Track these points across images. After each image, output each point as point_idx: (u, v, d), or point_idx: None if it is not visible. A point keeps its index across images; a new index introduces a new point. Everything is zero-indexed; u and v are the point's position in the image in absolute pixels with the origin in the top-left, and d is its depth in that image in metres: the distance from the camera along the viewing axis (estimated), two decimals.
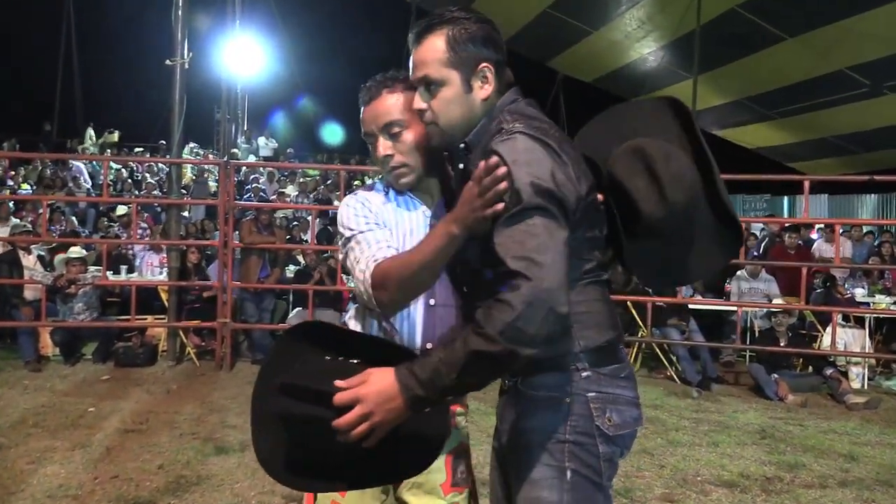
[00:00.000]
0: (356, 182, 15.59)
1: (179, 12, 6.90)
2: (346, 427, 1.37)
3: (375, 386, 1.37)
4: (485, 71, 1.51)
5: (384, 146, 1.66)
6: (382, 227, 1.69)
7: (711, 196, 1.57)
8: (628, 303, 7.09)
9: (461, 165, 1.58)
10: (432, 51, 1.51)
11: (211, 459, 4.35)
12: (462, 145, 1.56)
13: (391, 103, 1.66)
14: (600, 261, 1.58)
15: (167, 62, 6.96)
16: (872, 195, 17.50)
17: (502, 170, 1.37)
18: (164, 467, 4.19)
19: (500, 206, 1.38)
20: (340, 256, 1.76)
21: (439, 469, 1.72)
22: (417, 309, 1.68)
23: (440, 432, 1.52)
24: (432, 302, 1.68)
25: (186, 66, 6.95)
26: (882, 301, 7.91)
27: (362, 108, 1.70)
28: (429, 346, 1.67)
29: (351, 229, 1.69)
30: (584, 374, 1.51)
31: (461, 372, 1.32)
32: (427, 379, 1.34)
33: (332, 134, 19.61)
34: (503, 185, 1.37)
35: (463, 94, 1.52)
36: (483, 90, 1.52)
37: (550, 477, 1.49)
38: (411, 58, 1.56)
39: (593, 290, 1.55)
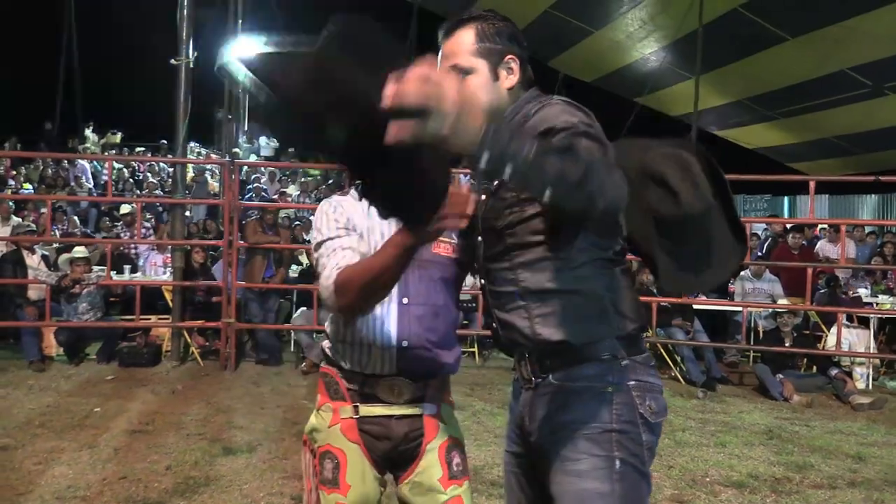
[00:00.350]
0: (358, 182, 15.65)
1: (185, 11, 6.89)
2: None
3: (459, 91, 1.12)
4: (510, 62, 1.62)
5: None
6: (351, 233, 1.76)
7: (726, 206, 1.63)
8: None
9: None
10: (462, 42, 1.62)
11: (219, 460, 4.35)
12: None
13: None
14: (624, 250, 1.62)
15: (172, 61, 6.95)
16: (873, 195, 17.51)
17: (472, 196, 1.45)
18: (171, 468, 4.18)
19: (463, 223, 1.46)
20: (313, 260, 1.81)
21: (433, 464, 1.81)
22: (391, 308, 1.77)
23: (445, 184, 1.40)
24: (405, 301, 1.78)
25: (191, 65, 6.94)
26: (886, 302, 7.92)
27: None
28: (405, 343, 1.76)
29: (321, 234, 1.77)
30: (624, 362, 1.53)
31: (542, 156, 1.16)
32: (509, 135, 1.16)
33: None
34: (469, 210, 1.44)
35: (490, 82, 1.61)
36: (508, 80, 1.62)
37: (600, 468, 1.48)
38: (441, 50, 1.64)
39: (624, 278, 1.59)
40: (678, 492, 4.04)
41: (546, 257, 1.53)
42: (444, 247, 1.82)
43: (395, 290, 1.72)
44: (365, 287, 1.59)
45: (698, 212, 1.54)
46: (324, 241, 1.75)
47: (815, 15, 10.66)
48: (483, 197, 1.62)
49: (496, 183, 1.59)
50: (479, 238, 1.64)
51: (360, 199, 1.61)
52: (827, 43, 11.14)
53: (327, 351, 1.88)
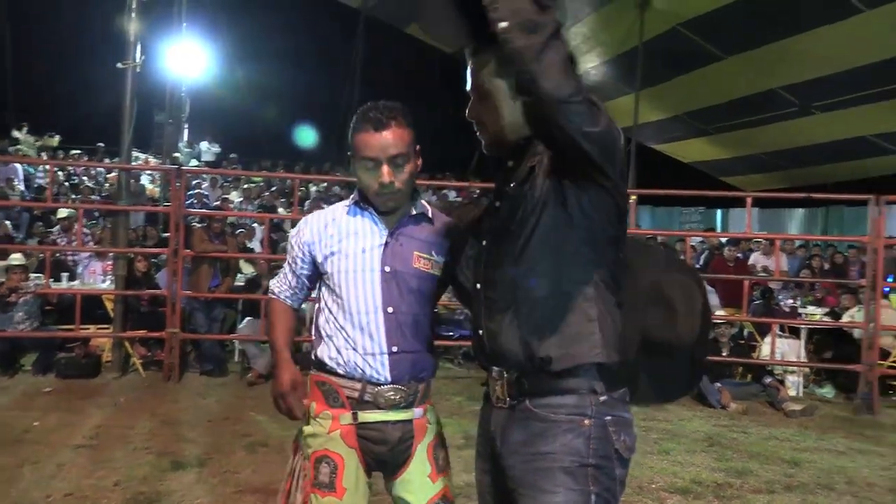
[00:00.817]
0: (316, 189, 15.47)
1: (133, 14, 6.73)
2: None
3: None
4: None
5: (388, 174, 1.84)
6: (295, 268, 2.05)
7: (699, 346, 1.74)
8: None
9: (510, 163, 1.67)
10: (483, 64, 1.63)
11: (168, 475, 4.27)
12: (521, 142, 1.64)
13: (400, 136, 1.85)
14: (622, 287, 1.63)
15: (119, 65, 6.77)
16: (800, 209, 18.31)
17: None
18: (120, 484, 4.09)
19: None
20: None
21: (423, 462, 1.95)
22: (378, 317, 1.91)
23: None
24: (390, 310, 1.91)
25: (138, 69, 6.79)
26: (815, 313, 8.29)
27: (366, 134, 1.85)
28: (394, 349, 1.90)
29: (287, 250, 2.10)
30: (602, 397, 1.55)
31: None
32: None
33: (279, 139, 19.41)
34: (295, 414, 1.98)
35: (509, 100, 1.62)
36: None
37: (574, 501, 1.51)
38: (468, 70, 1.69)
39: (618, 312, 1.60)
40: (625, 499, 4.14)
41: (551, 267, 1.56)
42: (424, 262, 1.95)
43: (379, 301, 1.89)
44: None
45: (685, 344, 1.67)
46: (286, 258, 2.09)
47: (750, 36, 11.14)
48: (497, 204, 1.67)
49: (513, 184, 1.63)
50: (484, 242, 1.68)
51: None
52: (760, 63, 11.65)
53: (325, 360, 1.95)
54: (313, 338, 2.03)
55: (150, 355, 7.32)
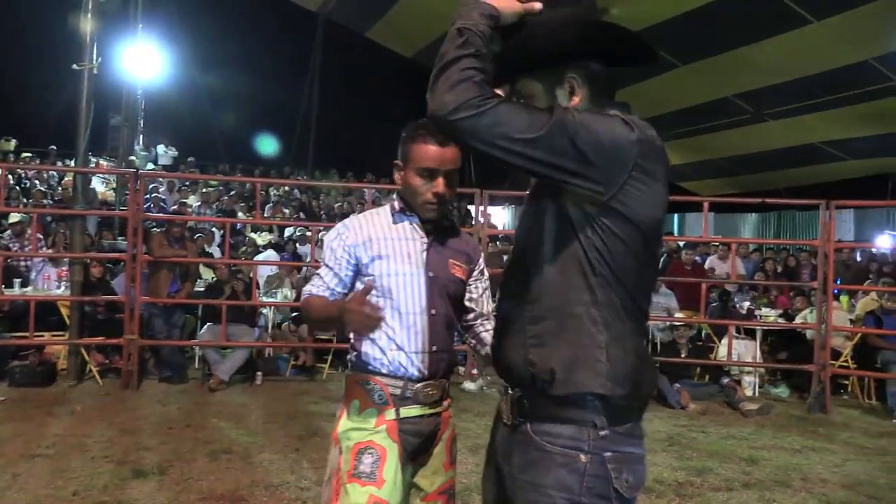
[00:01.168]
0: (276, 192, 15.30)
1: (88, 15, 6.60)
2: None
3: None
4: (571, 81, 1.54)
5: (443, 186, 2.02)
6: (338, 270, 2.08)
7: None
8: None
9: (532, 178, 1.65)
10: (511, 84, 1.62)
11: (129, 483, 4.20)
12: None
13: (457, 155, 2.02)
14: (647, 300, 1.55)
15: (74, 66, 6.63)
16: (753, 214, 18.77)
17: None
18: (79, 493, 4.01)
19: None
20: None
21: (442, 452, 2.10)
22: (424, 318, 2.04)
23: None
24: (433, 311, 2.05)
25: (95, 70, 6.66)
26: (770, 314, 8.51)
27: (430, 146, 2.00)
28: (434, 348, 2.04)
29: (325, 256, 2.12)
30: (602, 432, 1.45)
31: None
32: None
33: (237, 143, 19.19)
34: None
35: (546, 103, 1.55)
36: (571, 100, 1.54)
37: None
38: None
39: (635, 340, 1.51)
40: None
41: (556, 285, 1.49)
42: (458, 269, 2.13)
43: (424, 303, 2.04)
44: (307, 318, 2.21)
45: None
46: (323, 260, 2.13)
47: (705, 45, 11.37)
48: (527, 223, 1.62)
49: (528, 198, 1.61)
50: (506, 257, 1.68)
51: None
52: (714, 71, 11.91)
53: (370, 361, 2.06)
54: (351, 341, 2.12)
55: (108, 362, 7.18)
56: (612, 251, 1.44)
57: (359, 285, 2.06)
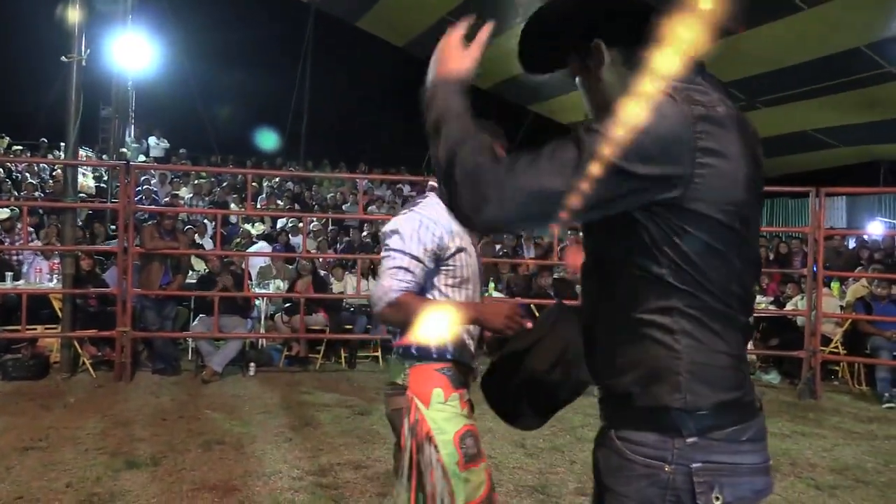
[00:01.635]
0: (268, 185, 15.25)
1: (77, 6, 6.56)
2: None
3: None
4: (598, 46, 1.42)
5: None
6: (427, 262, 2.10)
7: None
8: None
9: None
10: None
11: (122, 474, 4.21)
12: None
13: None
14: (742, 299, 1.34)
15: (63, 58, 6.59)
16: None
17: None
18: (72, 485, 4.02)
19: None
20: (383, 252, 2.16)
21: (452, 454, 2.10)
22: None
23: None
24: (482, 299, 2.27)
25: (84, 62, 6.62)
26: (761, 301, 8.55)
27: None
28: (481, 332, 2.23)
29: (404, 242, 2.08)
30: (690, 440, 1.27)
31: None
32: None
33: (229, 134, 19.10)
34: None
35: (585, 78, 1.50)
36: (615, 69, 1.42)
37: None
38: None
39: (721, 338, 1.30)
40: (581, 485, 4.25)
41: (624, 290, 1.34)
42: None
43: (479, 289, 2.25)
44: (413, 318, 2.04)
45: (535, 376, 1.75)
46: (403, 252, 2.08)
47: None
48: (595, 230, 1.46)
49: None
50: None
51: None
52: (708, 59, 11.89)
53: (446, 351, 2.16)
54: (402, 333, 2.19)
55: (101, 355, 7.18)
56: (689, 252, 1.25)
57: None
